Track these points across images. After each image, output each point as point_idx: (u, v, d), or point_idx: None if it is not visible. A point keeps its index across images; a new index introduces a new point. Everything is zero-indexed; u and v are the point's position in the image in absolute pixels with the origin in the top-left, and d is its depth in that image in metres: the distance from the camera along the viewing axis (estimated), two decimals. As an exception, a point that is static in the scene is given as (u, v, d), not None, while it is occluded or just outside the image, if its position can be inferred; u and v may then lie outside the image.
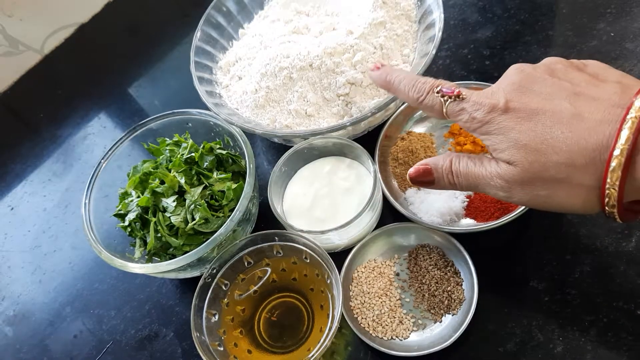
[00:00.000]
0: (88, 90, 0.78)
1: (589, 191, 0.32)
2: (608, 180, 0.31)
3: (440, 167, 0.39)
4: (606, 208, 0.32)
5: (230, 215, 0.46)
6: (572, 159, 0.32)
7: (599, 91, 0.33)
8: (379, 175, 0.50)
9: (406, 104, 0.55)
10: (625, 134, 0.30)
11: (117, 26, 0.86)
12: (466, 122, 0.37)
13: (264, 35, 0.60)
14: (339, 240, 0.49)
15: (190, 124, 0.57)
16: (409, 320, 0.46)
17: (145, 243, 0.51)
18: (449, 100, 0.38)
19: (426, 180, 0.40)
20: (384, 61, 0.46)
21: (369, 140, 0.54)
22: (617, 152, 0.30)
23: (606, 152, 0.31)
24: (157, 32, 0.82)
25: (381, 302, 0.48)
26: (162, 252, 0.50)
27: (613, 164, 0.30)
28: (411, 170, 0.41)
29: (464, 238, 0.48)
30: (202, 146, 0.53)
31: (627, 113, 0.31)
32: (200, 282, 0.47)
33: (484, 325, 0.45)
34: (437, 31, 0.51)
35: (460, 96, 0.37)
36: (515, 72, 0.37)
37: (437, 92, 0.39)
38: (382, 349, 0.44)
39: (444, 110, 0.38)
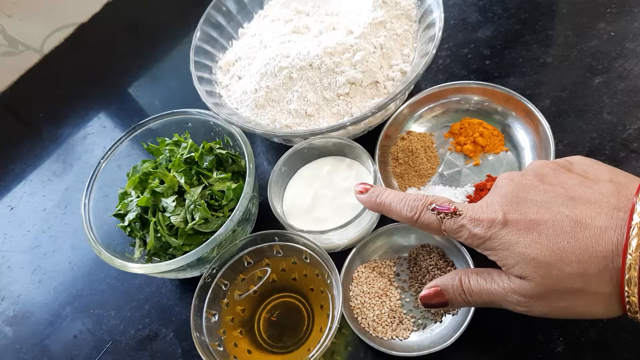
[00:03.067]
0: (88, 90, 0.78)
1: (609, 298, 0.32)
2: (626, 289, 0.31)
3: (450, 287, 0.39)
4: (629, 314, 0.32)
5: (230, 215, 0.46)
6: (584, 268, 0.32)
7: (594, 193, 0.33)
8: (379, 175, 0.50)
9: (406, 104, 0.55)
10: (635, 242, 0.30)
11: (117, 26, 0.85)
12: (467, 239, 0.37)
13: (264, 34, 0.60)
14: (339, 240, 0.49)
15: (190, 124, 0.57)
16: (409, 320, 0.46)
17: (145, 243, 0.51)
18: (446, 217, 0.37)
19: (439, 302, 0.40)
20: (366, 183, 0.45)
21: (369, 140, 0.54)
22: (629, 261, 0.30)
23: (618, 259, 0.31)
24: (157, 32, 0.82)
25: (381, 302, 0.48)
26: (162, 252, 0.50)
27: (627, 275, 0.30)
28: (422, 294, 0.40)
29: (464, 238, 0.48)
30: (201, 146, 0.53)
31: (630, 218, 0.31)
32: (200, 282, 0.47)
33: (484, 325, 0.45)
34: (437, 31, 0.51)
35: (457, 212, 0.37)
36: (506, 183, 0.37)
37: (432, 210, 0.38)
38: (382, 349, 0.44)
39: (442, 227, 0.38)
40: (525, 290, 0.34)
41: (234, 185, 0.50)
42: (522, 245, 0.33)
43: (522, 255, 0.33)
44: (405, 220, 0.40)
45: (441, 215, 0.37)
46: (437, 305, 0.40)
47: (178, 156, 0.52)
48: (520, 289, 0.34)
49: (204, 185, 0.51)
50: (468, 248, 0.46)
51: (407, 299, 0.48)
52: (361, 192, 0.44)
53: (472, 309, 0.44)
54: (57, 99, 0.79)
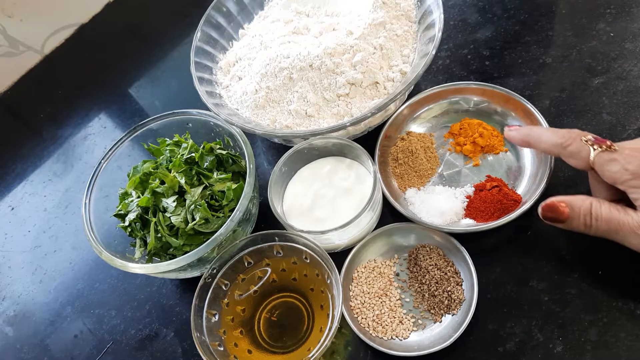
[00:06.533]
0: (88, 91, 0.78)
1: None
2: None
3: (578, 206, 0.41)
4: None
5: (230, 216, 0.46)
6: None
7: None
8: (378, 175, 0.50)
9: (406, 104, 0.56)
10: None
11: (117, 26, 0.86)
12: (615, 172, 0.39)
13: (264, 35, 0.60)
14: (339, 240, 0.49)
15: (190, 124, 0.57)
16: (409, 320, 0.47)
17: (145, 243, 0.51)
18: (599, 149, 0.40)
19: (557, 217, 0.42)
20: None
21: (369, 140, 0.54)
22: None
23: None
24: (157, 33, 0.82)
25: (381, 302, 0.48)
26: (162, 252, 0.50)
27: None
28: (545, 202, 0.43)
29: (464, 238, 0.48)
30: (202, 146, 0.53)
31: None
32: (201, 282, 0.47)
33: (484, 325, 0.45)
34: (437, 31, 0.51)
35: (612, 147, 0.40)
36: None
37: (587, 140, 0.41)
38: (382, 349, 0.44)
39: (591, 157, 0.40)
40: None
41: (234, 186, 0.50)
42: None
43: None
44: (553, 147, 0.43)
45: (595, 146, 0.40)
46: (553, 219, 0.42)
47: (178, 156, 0.52)
48: None
49: (204, 185, 0.51)
50: (468, 248, 0.47)
51: (407, 299, 0.48)
52: (511, 130, 0.47)
53: (472, 309, 0.44)
54: (57, 100, 0.79)
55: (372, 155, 0.53)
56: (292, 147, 0.52)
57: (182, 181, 0.50)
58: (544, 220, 0.43)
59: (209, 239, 0.46)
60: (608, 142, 0.40)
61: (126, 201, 0.52)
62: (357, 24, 0.55)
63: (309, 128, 0.53)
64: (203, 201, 0.49)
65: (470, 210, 0.50)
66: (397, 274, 0.49)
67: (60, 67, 0.83)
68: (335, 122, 0.53)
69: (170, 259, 0.48)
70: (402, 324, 0.46)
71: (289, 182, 0.54)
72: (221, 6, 0.63)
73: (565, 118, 0.54)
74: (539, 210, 0.43)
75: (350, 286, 0.49)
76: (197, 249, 0.45)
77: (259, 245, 0.49)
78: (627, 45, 0.57)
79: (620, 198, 0.41)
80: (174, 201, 0.49)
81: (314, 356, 0.41)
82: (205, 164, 0.52)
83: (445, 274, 0.47)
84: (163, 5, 0.86)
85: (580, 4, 0.61)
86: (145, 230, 0.51)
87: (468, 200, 0.50)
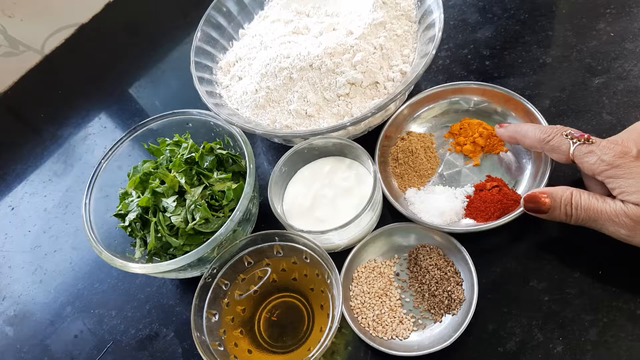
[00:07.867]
0: (88, 91, 0.78)
1: None
2: None
3: (559, 196, 0.42)
4: None
5: (230, 215, 0.46)
6: None
7: None
8: (379, 175, 0.50)
9: (406, 104, 0.56)
10: None
11: (117, 26, 0.86)
12: (593, 163, 0.40)
13: (264, 35, 0.60)
14: (339, 240, 0.49)
15: (190, 124, 0.57)
16: (409, 320, 0.47)
17: (145, 243, 0.51)
18: (578, 142, 0.41)
19: (539, 208, 0.43)
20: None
21: (369, 140, 0.54)
22: None
23: None
24: (157, 32, 0.82)
25: (381, 302, 0.48)
26: (163, 252, 0.50)
27: None
28: (528, 193, 0.44)
29: (464, 238, 0.48)
30: (202, 146, 0.53)
31: None
32: (201, 282, 0.47)
33: (484, 325, 0.45)
34: (437, 31, 0.51)
35: (590, 140, 0.41)
36: None
37: (566, 135, 0.43)
38: (382, 349, 0.44)
39: (571, 151, 0.42)
40: (638, 216, 0.38)
41: (234, 186, 0.50)
42: None
43: None
44: (536, 141, 0.45)
45: (574, 140, 0.42)
46: (535, 209, 0.44)
47: (179, 156, 0.52)
48: (633, 214, 0.38)
49: (204, 185, 0.51)
50: (468, 248, 0.47)
51: (407, 299, 0.48)
52: (500, 128, 0.50)
53: (472, 309, 0.44)
54: (57, 100, 0.79)
55: (372, 155, 0.53)
56: (292, 147, 0.52)
57: (182, 181, 0.50)
58: (527, 212, 0.44)
59: (209, 239, 0.46)
60: (586, 135, 0.42)
61: (126, 201, 0.52)
62: (357, 24, 0.55)
63: (309, 128, 0.53)
64: (203, 201, 0.49)
65: (470, 210, 0.50)
66: (397, 274, 0.49)
67: (60, 67, 0.83)
68: (335, 122, 0.53)
69: (170, 259, 0.48)
70: (402, 324, 0.46)
71: (289, 182, 0.54)
72: (221, 6, 0.63)
73: (565, 118, 0.54)
74: (522, 201, 0.44)
75: (350, 286, 0.49)
76: (197, 249, 0.45)
77: (259, 245, 0.49)
78: (627, 45, 0.57)
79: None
80: (174, 201, 0.49)
81: (314, 356, 0.41)
82: (205, 164, 0.52)
83: (445, 274, 0.47)
84: (163, 5, 0.86)
85: (580, 4, 0.61)
86: (145, 230, 0.51)
87: (468, 200, 0.50)
